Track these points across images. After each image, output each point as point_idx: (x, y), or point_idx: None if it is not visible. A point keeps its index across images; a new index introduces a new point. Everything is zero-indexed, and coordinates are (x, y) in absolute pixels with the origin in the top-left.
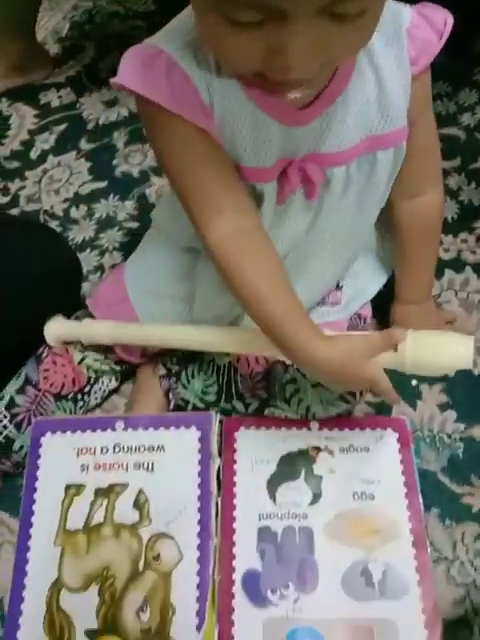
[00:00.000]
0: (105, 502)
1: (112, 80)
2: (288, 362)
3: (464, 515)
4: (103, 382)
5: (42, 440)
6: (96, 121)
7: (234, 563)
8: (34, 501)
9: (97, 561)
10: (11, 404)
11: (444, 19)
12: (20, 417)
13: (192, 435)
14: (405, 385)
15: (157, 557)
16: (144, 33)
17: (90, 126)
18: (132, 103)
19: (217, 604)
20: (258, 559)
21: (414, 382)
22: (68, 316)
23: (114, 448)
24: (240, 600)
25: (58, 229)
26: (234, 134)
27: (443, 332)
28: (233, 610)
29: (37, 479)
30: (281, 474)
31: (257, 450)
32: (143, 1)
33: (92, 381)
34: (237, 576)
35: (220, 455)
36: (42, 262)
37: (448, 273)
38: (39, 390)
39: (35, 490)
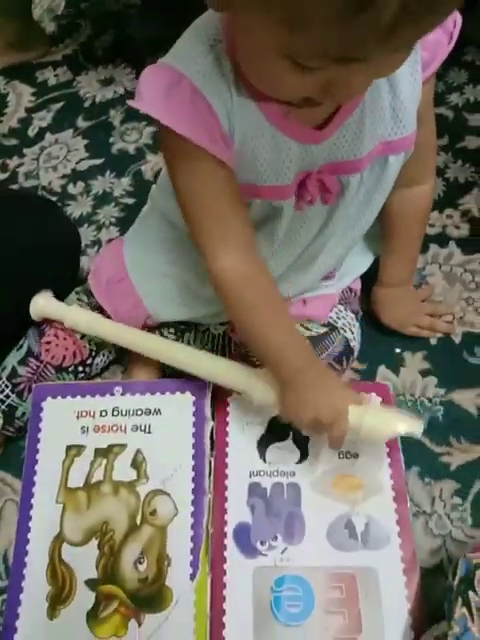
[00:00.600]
0: (104, 462)
1: (132, 103)
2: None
3: (442, 473)
4: (104, 354)
5: (43, 404)
6: (93, 99)
7: (226, 517)
8: (36, 461)
9: (97, 516)
10: (13, 374)
11: (454, 19)
12: (22, 386)
13: (187, 399)
14: (389, 353)
15: (154, 512)
16: (139, 12)
17: (87, 104)
18: (128, 81)
19: (210, 555)
20: (248, 513)
21: (397, 349)
22: (68, 289)
23: (113, 411)
24: (231, 551)
25: None
26: (255, 156)
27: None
28: (225, 560)
29: (39, 441)
30: (270, 435)
31: (248, 413)
32: None
33: (93, 354)
34: (229, 529)
35: (213, 418)
36: (42, 234)
37: (433, 247)
38: (40, 361)
39: (37, 451)
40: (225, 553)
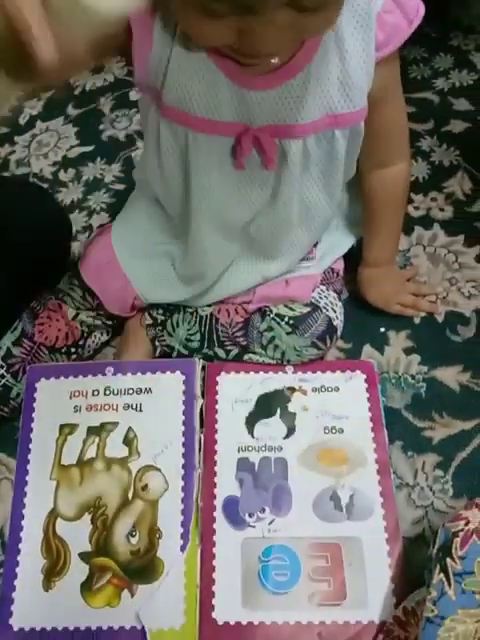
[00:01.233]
0: (97, 439)
1: None
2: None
3: (425, 447)
4: (95, 336)
5: (36, 385)
6: (83, 87)
7: (215, 491)
8: (30, 440)
9: (90, 492)
10: (8, 355)
11: (417, 7)
12: (16, 367)
13: (177, 379)
14: (374, 332)
15: (145, 487)
16: None
17: (77, 92)
18: (118, 69)
19: (200, 527)
20: (237, 487)
21: (382, 329)
22: (59, 275)
23: (105, 391)
24: (221, 523)
25: None
26: (188, 81)
27: None
28: (214, 532)
29: (33, 420)
30: (258, 412)
31: (237, 391)
32: None
33: (85, 335)
34: (218, 502)
35: (203, 396)
36: (33, 220)
37: (417, 229)
38: (34, 342)
39: (31, 430)
40: (214, 525)
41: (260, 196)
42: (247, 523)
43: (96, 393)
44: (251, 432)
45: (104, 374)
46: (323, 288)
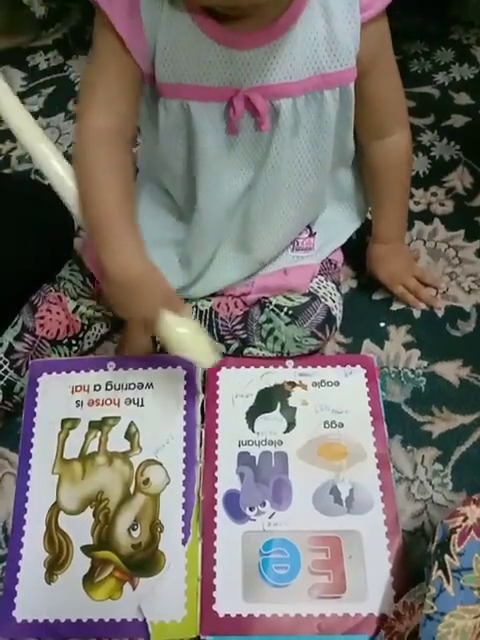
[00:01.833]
0: (99, 434)
1: None
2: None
3: (424, 441)
4: (96, 328)
5: (39, 380)
6: None
7: (216, 485)
8: (33, 434)
9: (92, 486)
10: (10, 350)
11: None
12: (19, 362)
13: (178, 374)
14: (374, 327)
15: (147, 481)
16: None
17: (78, 88)
18: None
19: (201, 521)
20: (238, 480)
21: (382, 324)
22: (60, 265)
23: (106, 386)
24: (221, 517)
25: None
26: (177, 53)
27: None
28: (215, 525)
29: (35, 415)
30: (259, 406)
31: (237, 386)
32: None
33: (85, 328)
34: (219, 496)
35: (203, 391)
36: (35, 216)
37: (418, 224)
38: (36, 337)
39: (33, 425)
40: (215, 519)
41: (253, 161)
42: (248, 517)
43: (98, 388)
44: (251, 426)
45: (106, 369)
46: (322, 278)
